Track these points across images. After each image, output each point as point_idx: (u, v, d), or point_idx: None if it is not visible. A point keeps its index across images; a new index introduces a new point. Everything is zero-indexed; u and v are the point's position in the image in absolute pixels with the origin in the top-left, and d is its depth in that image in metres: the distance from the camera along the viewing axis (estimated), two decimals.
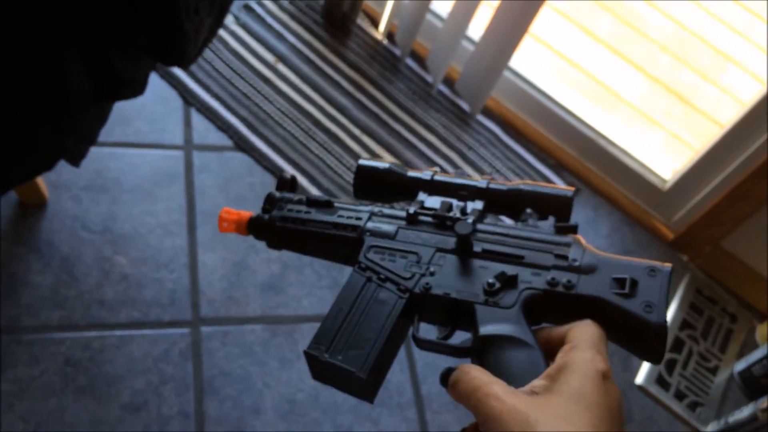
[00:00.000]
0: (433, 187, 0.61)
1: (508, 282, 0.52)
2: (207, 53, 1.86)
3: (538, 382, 0.45)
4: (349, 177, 1.77)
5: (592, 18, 2.61)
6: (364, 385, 0.51)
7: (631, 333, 0.50)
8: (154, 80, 1.76)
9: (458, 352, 0.53)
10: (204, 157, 1.71)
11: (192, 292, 1.52)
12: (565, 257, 0.53)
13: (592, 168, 2.00)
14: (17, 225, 1.48)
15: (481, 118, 2.01)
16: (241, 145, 1.74)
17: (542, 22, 2.41)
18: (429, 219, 0.59)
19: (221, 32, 1.91)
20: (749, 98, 1.79)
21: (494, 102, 2.03)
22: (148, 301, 1.48)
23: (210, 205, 1.64)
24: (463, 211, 0.59)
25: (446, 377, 0.49)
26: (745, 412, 1.61)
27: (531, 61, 2.27)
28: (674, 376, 1.72)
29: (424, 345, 0.54)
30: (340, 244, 0.60)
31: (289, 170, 1.74)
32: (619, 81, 2.44)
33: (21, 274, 1.43)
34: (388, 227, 0.59)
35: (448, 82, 2.04)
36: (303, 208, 0.63)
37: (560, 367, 0.45)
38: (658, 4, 2.73)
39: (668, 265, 0.51)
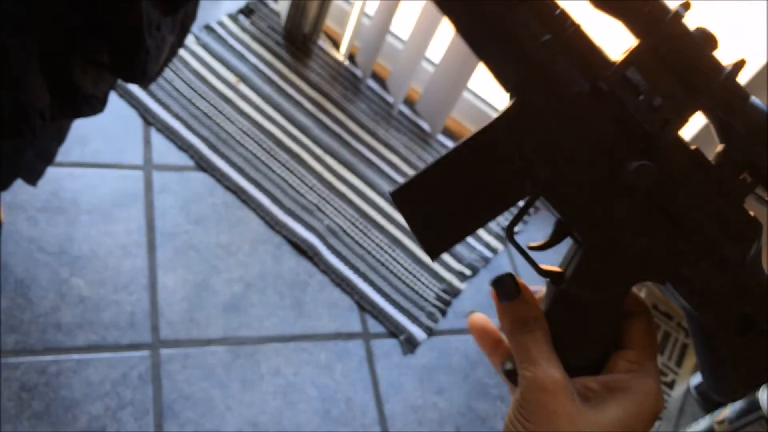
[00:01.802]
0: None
1: None
2: (167, 73, 1.84)
3: (592, 386, 0.42)
4: (312, 197, 1.77)
5: None
6: (430, 254, 0.44)
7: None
8: (114, 100, 1.74)
9: (542, 274, 0.45)
10: (164, 177, 1.69)
11: (152, 314, 1.49)
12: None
13: None
14: None
15: (441, 137, 2.04)
16: (202, 165, 1.73)
17: None
18: None
19: (182, 52, 1.90)
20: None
21: (454, 122, 2.06)
22: (106, 324, 1.45)
23: (170, 225, 1.62)
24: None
25: (502, 285, 0.43)
26: (702, 424, 1.64)
27: (490, 82, 2.31)
28: None
29: (513, 241, 0.45)
30: None
31: (252, 190, 1.73)
32: None
33: None
34: None
35: (409, 102, 2.06)
36: None
37: (622, 386, 0.42)
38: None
39: None
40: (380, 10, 1.89)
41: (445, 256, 1.81)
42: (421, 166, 1.95)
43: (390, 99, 2.04)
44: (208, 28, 1.98)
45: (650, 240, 0.41)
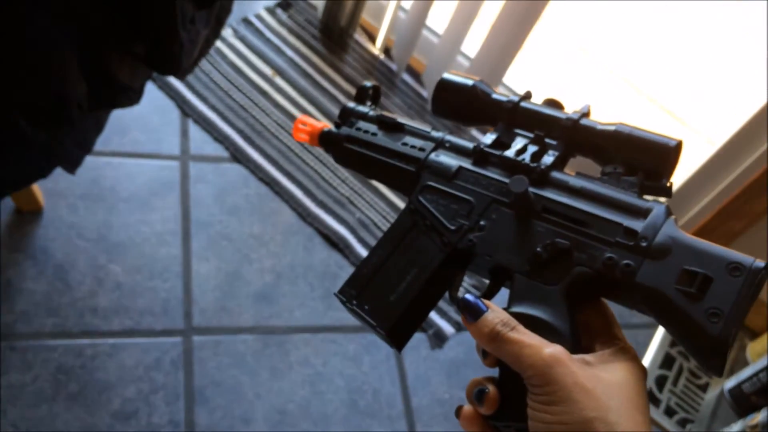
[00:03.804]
0: (516, 118, 0.53)
1: (559, 255, 0.46)
2: (205, 65, 1.88)
3: (589, 358, 0.42)
4: (344, 190, 1.78)
5: (585, 39, 2.64)
6: (387, 338, 0.49)
7: (688, 338, 0.43)
8: (152, 91, 1.77)
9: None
10: (200, 167, 1.72)
11: (185, 302, 1.52)
12: (633, 233, 0.45)
13: None
14: (13, 232, 1.49)
15: (475, 132, 2.03)
16: (237, 156, 1.76)
17: (536, 41, 2.44)
18: (497, 160, 0.51)
19: (219, 45, 1.93)
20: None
21: None
22: (141, 310, 1.48)
23: (205, 215, 1.65)
24: (537, 156, 0.50)
25: (467, 307, 0.45)
26: (734, 429, 1.61)
27: (524, 77, 2.30)
28: (664, 393, 1.73)
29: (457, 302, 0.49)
30: (398, 177, 0.55)
31: (285, 182, 1.75)
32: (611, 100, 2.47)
33: (16, 281, 1.44)
34: (450, 163, 0.53)
35: None
36: (372, 128, 0.59)
37: (614, 355, 0.43)
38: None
39: (760, 263, 0.42)
40: (416, 4, 1.89)
41: None
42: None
43: (425, 93, 2.04)
44: (246, 21, 2.01)
45: (568, 242, 0.47)
